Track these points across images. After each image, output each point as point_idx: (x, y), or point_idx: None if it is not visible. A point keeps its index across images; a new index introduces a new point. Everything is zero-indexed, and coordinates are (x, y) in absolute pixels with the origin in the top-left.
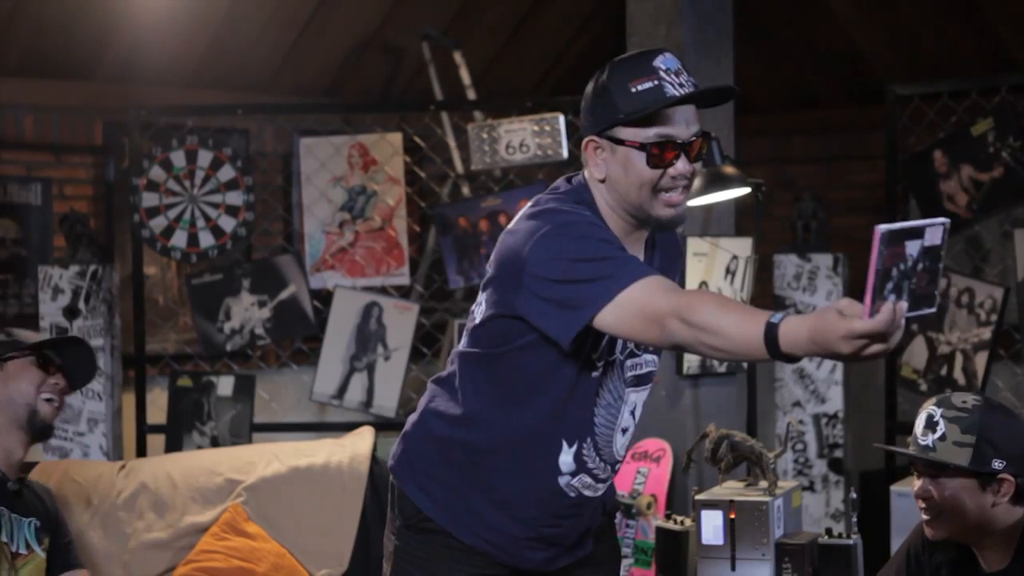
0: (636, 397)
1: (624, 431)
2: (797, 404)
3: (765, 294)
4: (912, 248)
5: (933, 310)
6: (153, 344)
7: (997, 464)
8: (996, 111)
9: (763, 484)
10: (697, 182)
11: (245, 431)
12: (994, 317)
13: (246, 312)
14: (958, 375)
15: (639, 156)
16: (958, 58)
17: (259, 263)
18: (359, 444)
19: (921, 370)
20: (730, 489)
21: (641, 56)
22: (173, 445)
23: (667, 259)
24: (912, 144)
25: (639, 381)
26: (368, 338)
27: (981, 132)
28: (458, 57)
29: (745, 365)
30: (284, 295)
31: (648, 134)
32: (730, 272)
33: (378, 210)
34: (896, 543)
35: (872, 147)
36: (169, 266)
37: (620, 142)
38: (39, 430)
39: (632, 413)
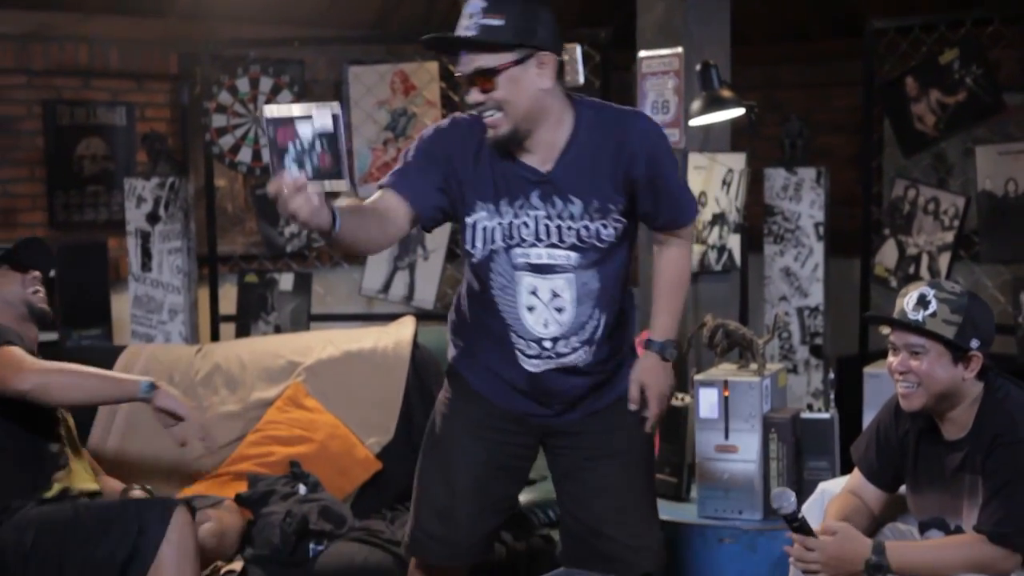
0: (538, 282)
1: (531, 309)
2: (783, 298)
3: (756, 203)
4: (304, 130)
5: (342, 180)
6: (223, 246)
7: (974, 343)
8: (961, 42)
9: (753, 366)
10: (696, 104)
11: (303, 321)
12: (956, 223)
13: None
14: (924, 273)
15: None
16: None
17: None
18: (402, 331)
19: (892, 269)
20: (724, 370)
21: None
22: (242, 332)
23: (600, 154)
24: (887, 71)
25: (536, 269)
26: (409, 241)
27: (948, 61)
28: None
29: (739, 263)
30: (336, 204)
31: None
32: (726, 183)
33: (417, 130)
34: (868, 417)
35: (852, 74)
36: (236, 178)
37: None
38: (39, 317)
39: (535, 294)
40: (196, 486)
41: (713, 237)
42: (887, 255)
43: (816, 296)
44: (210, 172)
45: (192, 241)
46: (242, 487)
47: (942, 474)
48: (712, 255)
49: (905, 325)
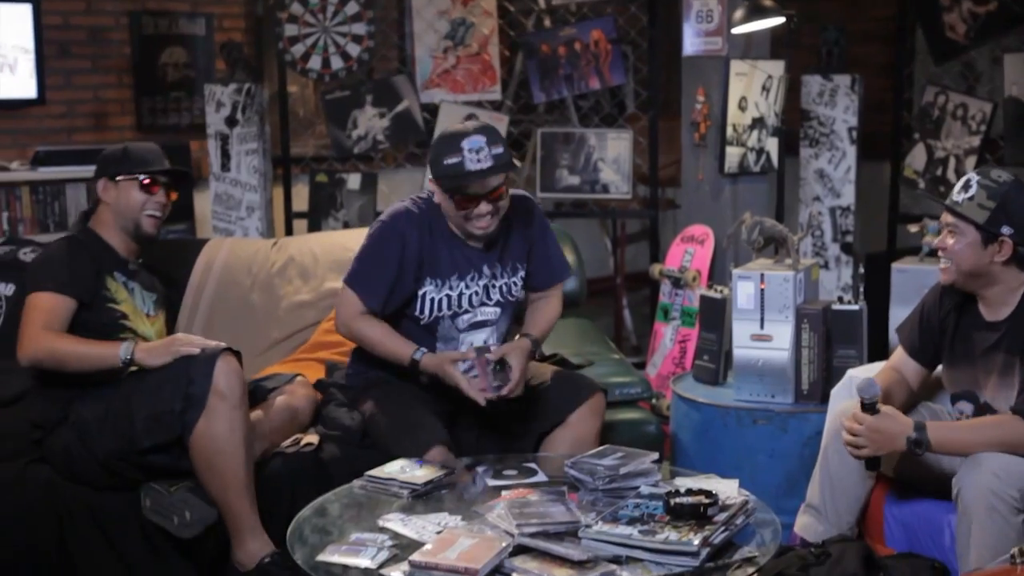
0: (475, 337)
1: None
2: (817, 198)
3: (793, 108)
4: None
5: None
6: (295, 148)
7: (1005, 229)
8: None
9: (788, 261)
10: (739, 13)
11: (369, 217)
12: (983, 128)
13: (369, 122)
14: (951, 176)
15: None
16: None
17: (379, 82)
18: None
19: (920, 171)
20: (761, 265)
21: (452, 135)
22: (313, 227)
23: (514, 237)
24: None
25: (477, 325)
26: None
27: None
28: None
29: (776, 165)
30: (400, 108)
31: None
32: (765, 89)
33: (475, 38)
34: (894, 310)
35: None
36: (307, 84)
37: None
38: (141, 239)
39: (472, 345)
40: (273, 367)
41: (752, 140)
42: (916, 158)
43: (848, 196)
44: (283, 79)
45: (267, 143)
46: (318, 371)
47: (977, 351)
48: (751, 157)
49: (942, 203)
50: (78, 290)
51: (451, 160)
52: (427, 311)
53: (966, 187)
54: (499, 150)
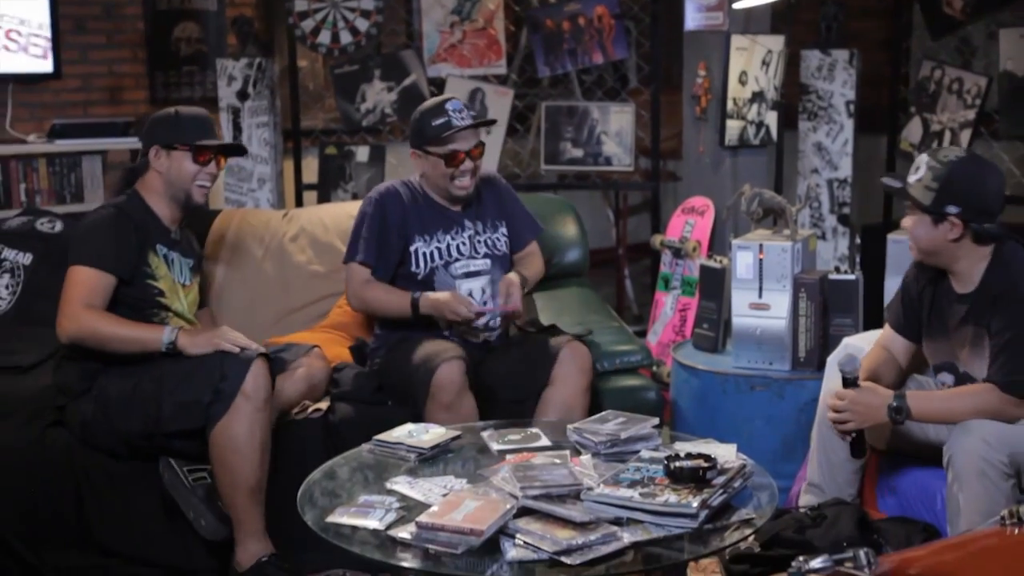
0: (471, 285)
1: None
2: (815, 170)
3: (792, 82)
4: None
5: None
6: (305, 121)
7: (951, 209)
8: None
9: (786, 232)
10: None
11: None
12: (978, 102)
13: (377, 96)
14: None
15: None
16: None
17: (387, 56)
18: None
19: (916, 144)
20: (759, 235)
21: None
22: (323, 198)
23: (489, 201)
24: None
25: (471, 275)
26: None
27: None
28: None
29: (775, 138)
30: (407, 82)
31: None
32: (765, 63)
33: (481, 13)
34: (889, 280)
35: None
36: (317, 59)
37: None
38: (190, 208)
39: (470, 293)
40: (292, 335)
41: (752, 113)
42: (912, 131)
43: (845, 169)
44: (293, 53)
45: (278, 116)
46: (336, 343)
47: (951, 323)
48: (751, 130)
49: (892, 187)
50: (120, 267)
51: (438, 121)
52: (421, 264)
53: (916, 169)
54: (474, 112)
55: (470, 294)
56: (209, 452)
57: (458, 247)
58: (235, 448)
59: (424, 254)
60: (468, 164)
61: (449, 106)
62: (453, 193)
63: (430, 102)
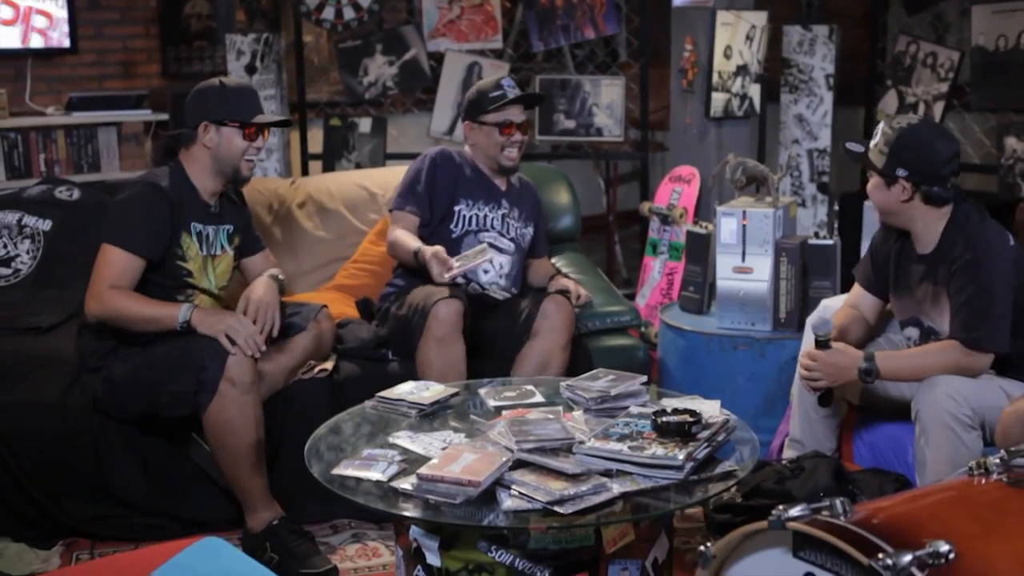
0: (494, 256)
1: (486, 272)
2: (796, 141)
3: (775, 57)
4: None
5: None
6: (311, 94)
7: (900, 172)
8: None
9: (768, 199)
10: None
11: (380, 159)
12: (951, 75)
13: (379, 69)
14: None
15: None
16: None
17: (388, 31)
18: None
19: (892, 115)
20: (743, 202)
21: (489, 82)
22: (328, 168)
23: (527, 199)
24: None
25: (495, 248)
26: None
27: None
28: None
29: (758, 110)
30: (407, 56)
31: (499, 118)
32: (749, 38)
33: None
34: (866, 245)
35: None
36: (321, 34)
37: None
38: (238, 182)
39: (490, 261)
40: (301, 295)
41: (736, 86)
42: (888, 103)
43: (824, 139)
44: (299, 29)
45: (284, 89)
46: (342, 301)
47: (914, 281)
48: (735, 102)
49: (852, 151)
50: (151, 251)
51: (495, 93)
52: (460, 225)
53: (875, 135)
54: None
55: (490, 261)
56: (205, 436)
57: (493, 220)
58: (231, 431)
59: (465, 216)
60: (518, 136)
61: (504, 82)
62: (502, 163)
63: (487, 80)
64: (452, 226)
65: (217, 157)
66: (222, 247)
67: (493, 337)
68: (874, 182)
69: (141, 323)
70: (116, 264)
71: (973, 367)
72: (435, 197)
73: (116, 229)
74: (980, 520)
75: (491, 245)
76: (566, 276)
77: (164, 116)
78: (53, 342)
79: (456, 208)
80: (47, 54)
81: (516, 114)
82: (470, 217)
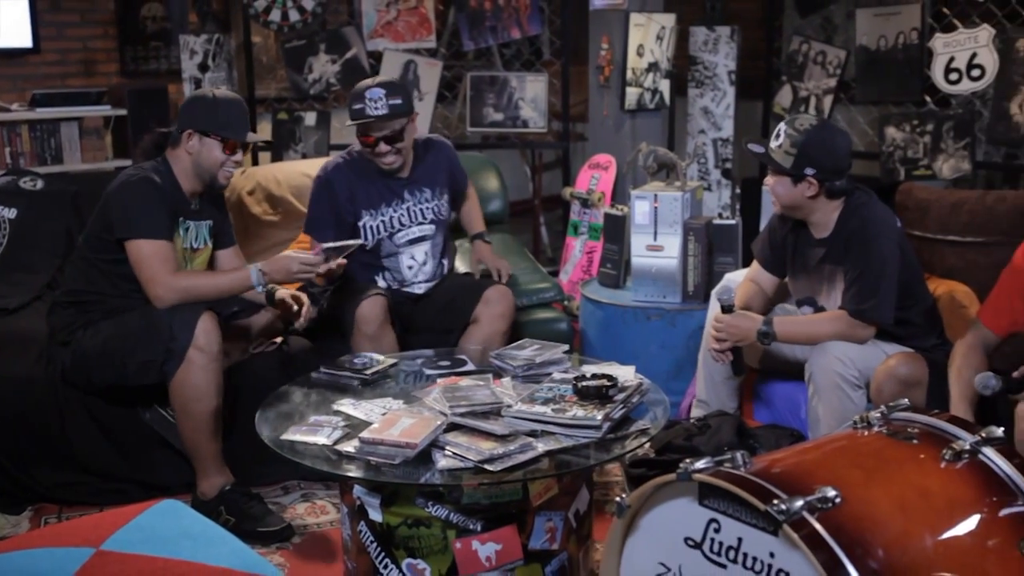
0: (414, 251)
1: (410, 268)
2: (702, 131)
3: (682, 55)
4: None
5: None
6: (260, 90)
7: (808, 171)
8: None
9: (677, 184)
10: None
11: (324, 149)
12: (839, 71)
13: (323, 67)
14: (811, 111)
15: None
16: None
17: (331, 32)
18: None
19: (787, 108)
20: (654, 187)
21: (360, 87)
22: (276, 158)
23: (437, 165)
24: None
25: (413, 241)
26: (407, 85)
27: None
28: None
29: (668, 103)
30: (349, 55)
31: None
32: (659, 38)
33: None
34: (764, 223)
35: None
36: (269, 35)
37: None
38: (214, 188)
39: (412, 257)
40: None
41: (648, 82)
42: (784, 97)
43: (727, 130)
44: (247, 30)
45: (235, 86)
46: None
47: (811, 264)
48: (647, 96)
49: (755, 152)
50: (170, 234)
51: (355, 106)
52: (370, 236)
53: (777, 136)
54: (397, 101)
55: (412, 257)
56: (170, 402)
57: (399, 219)
58: (196, 397)
59: (371, 227)
60: (383, 148)
61: (368, 94)
62: (382, 168)
63: (361, 84)
64: (364, 240)
65: (197, 164)
66: (205, 241)
67: (430, 319)
68: (778, 180)
69: (216, 294)
70: (158, 254)
71: (859, 336)
72: (340, 216)
73: (137, 223)
74: (863, 468)
75: (408, 242)
76: (486, 242)
77: (123, 112)
78: (21, 322)
79: (361, 223)
80: (11, 53)
81: (379, 127)
82: (376, 226)
